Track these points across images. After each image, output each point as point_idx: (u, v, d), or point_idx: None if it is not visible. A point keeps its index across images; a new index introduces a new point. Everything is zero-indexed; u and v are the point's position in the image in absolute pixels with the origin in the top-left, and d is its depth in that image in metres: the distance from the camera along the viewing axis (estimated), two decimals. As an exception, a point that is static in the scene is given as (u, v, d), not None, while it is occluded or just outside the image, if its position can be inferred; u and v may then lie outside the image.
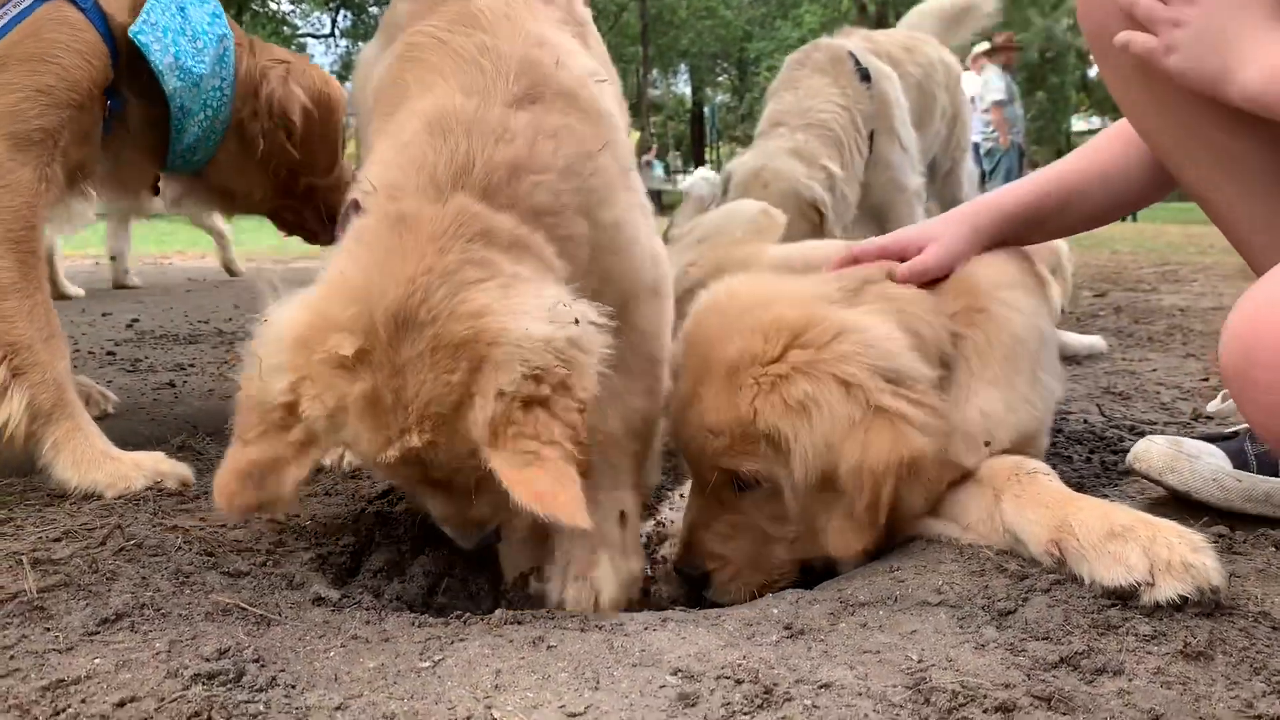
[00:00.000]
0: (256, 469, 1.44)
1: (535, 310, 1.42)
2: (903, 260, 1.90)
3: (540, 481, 1.33)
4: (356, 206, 1.56)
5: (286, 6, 34.39)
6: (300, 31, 33.65)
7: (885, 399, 1.58)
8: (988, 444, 1.71)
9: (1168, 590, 1.37)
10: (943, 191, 5.28)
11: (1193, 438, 1.87)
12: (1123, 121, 1.93)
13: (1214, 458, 1.78)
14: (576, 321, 1.43)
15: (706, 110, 46.72)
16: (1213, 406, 2.03)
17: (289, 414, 1.42)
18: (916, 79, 4.98)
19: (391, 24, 2.00)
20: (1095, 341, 3.97)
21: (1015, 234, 1.98)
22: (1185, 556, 1.38)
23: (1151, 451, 1.81)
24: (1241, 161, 1.60)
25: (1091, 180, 1.96)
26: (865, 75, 4.54)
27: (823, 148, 4.36)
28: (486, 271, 1.44)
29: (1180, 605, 1.37)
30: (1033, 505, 1.57)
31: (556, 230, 1.58)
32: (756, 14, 42.66)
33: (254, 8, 31.09)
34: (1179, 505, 1.80)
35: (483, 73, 1.62)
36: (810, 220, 4.19)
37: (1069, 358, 3.72)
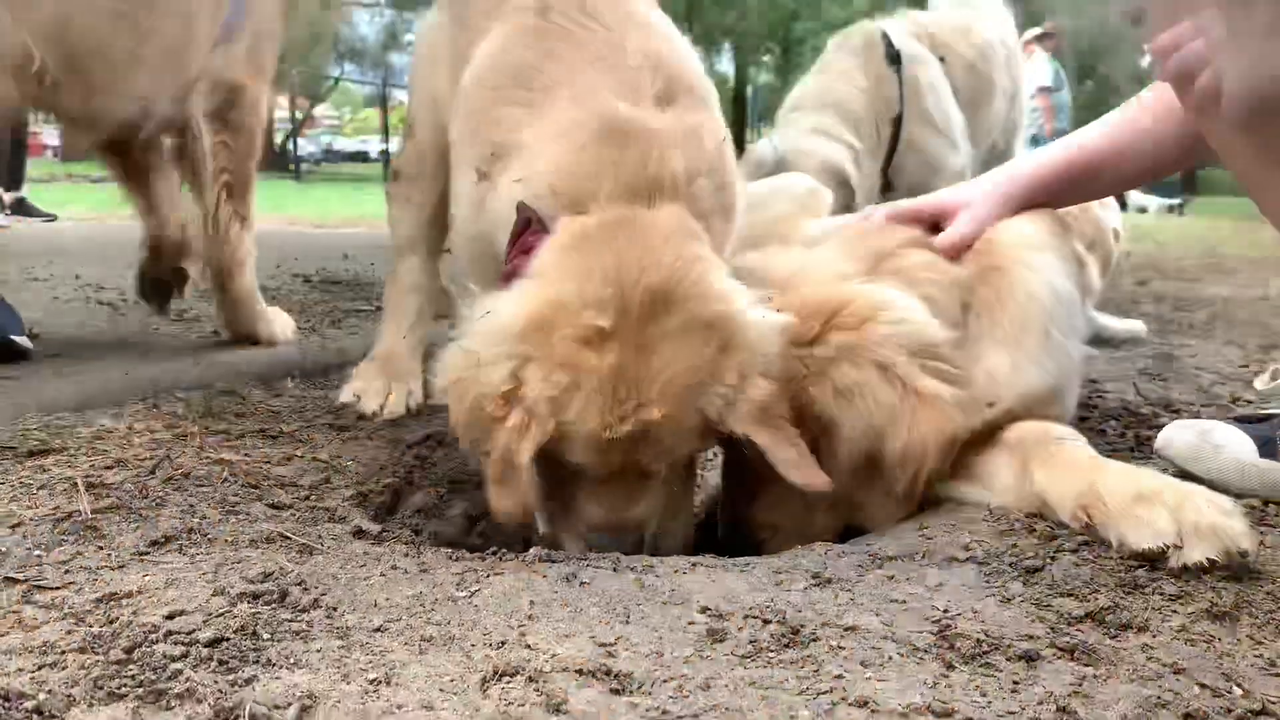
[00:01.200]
0: (496, 470, 1.52)
1: (757, 306, 1.58)
2: (935, 223, 1.91)
3: (791, 453, 1.54)
4: (527, 208, 1.61)
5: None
6: (347, 0, 33.76)
7: (923, 382, 1.61)
8: (991, 405, 1.72)
9: (1196, 553, 1.38)
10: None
11: (1229, 419, 1.86)
12: (1159, 89, 1.92)
13: (1240, 446, 1.77)
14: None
15: (750, 90, 46.43)
16: (1260, 384, 2.02)
17: (507, 402, 1.48)
18: (969, 60, 4.87)
19: None
20: (1135, 325, 3.93)
21: (1046, 198, 1.99)
22: (1214, 520, 1.39)
23: (1178, 440, 1.81)
24: None
25: (1123, 147, 1.98)
26: (895, 58, 4.50)
27: (840, 124, 4.33)
28: (714, 265, 1.58)
29: (1208, 568, 1.38)
30: (1061, 471, 1.58)
31: (711, 228, 1.69)
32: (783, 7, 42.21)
33: (301, -25, 31.20)
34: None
35: (624, 71, 1.72)
36: (837, 195, 4.19)
37: (1106, 341, 3.69)
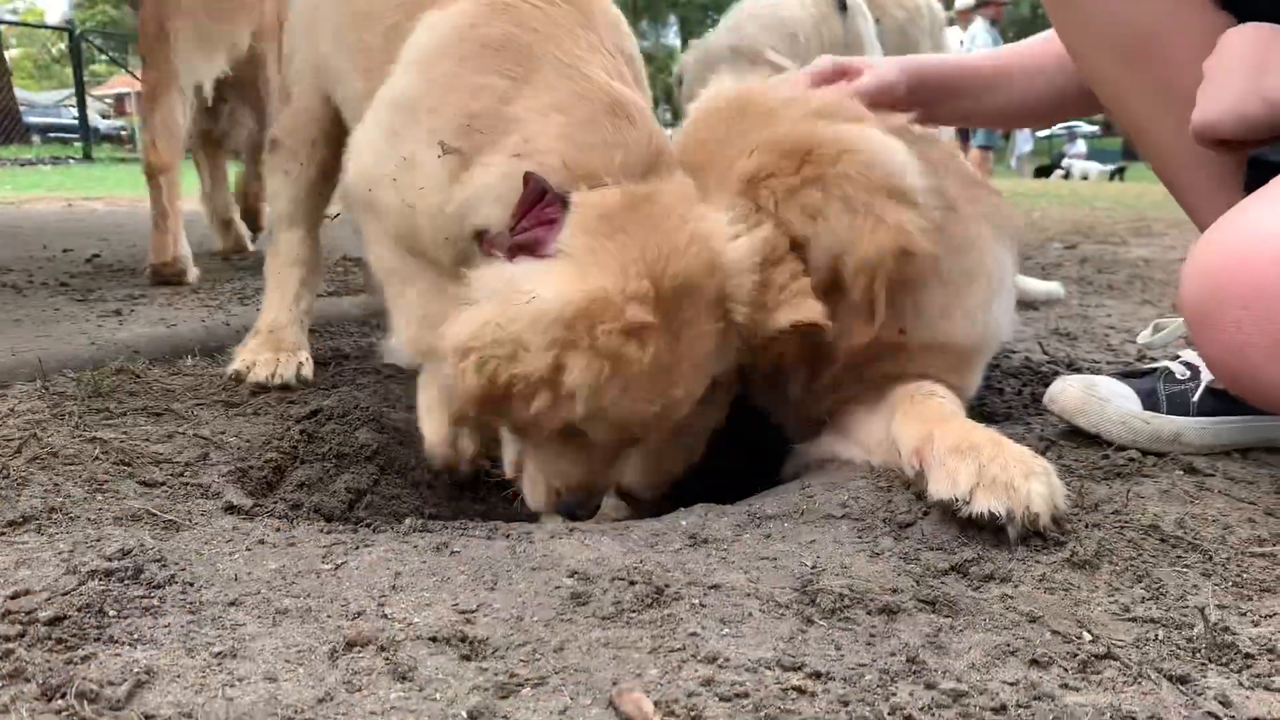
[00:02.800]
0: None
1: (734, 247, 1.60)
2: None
3: None
4: (540, 180, 1.58)
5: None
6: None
7: (886, 208, 1.61)
8: (902, 332, 1.73)
9: (979, 505, 1.36)
10: None
11: (1111, 375, 1.89)
12: (1045, 35, 2.01)
13: (1125, 399, 1.79)
14: None
15: (696, 63, 46.24)
16: (1143, 337, 2.05)
17: (538, 385, 1.48)
18: (900, 22, 4.91)
19: None
20: (1053, 288, 3.97)
21: (930, 97, 2.09)
22: (1013, 479, 1.38)
23: (1065, 393, 1.83)
24: (1184, 98, 1.61)
25: (1014, 72, 2.06)
26: (843, 6, 4.48)
27: (769, 37, 4.28)
28: (712, 223, 1.60)
29: (993, 523, 1.36)
30: (913, 419, 1.59)
31: None
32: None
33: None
34: (1095, 437, 1.82)
35: (603, 55, 1.73)
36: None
37: (1028, 304, 3.73)
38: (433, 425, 1.88)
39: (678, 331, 1.52)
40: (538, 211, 1.57)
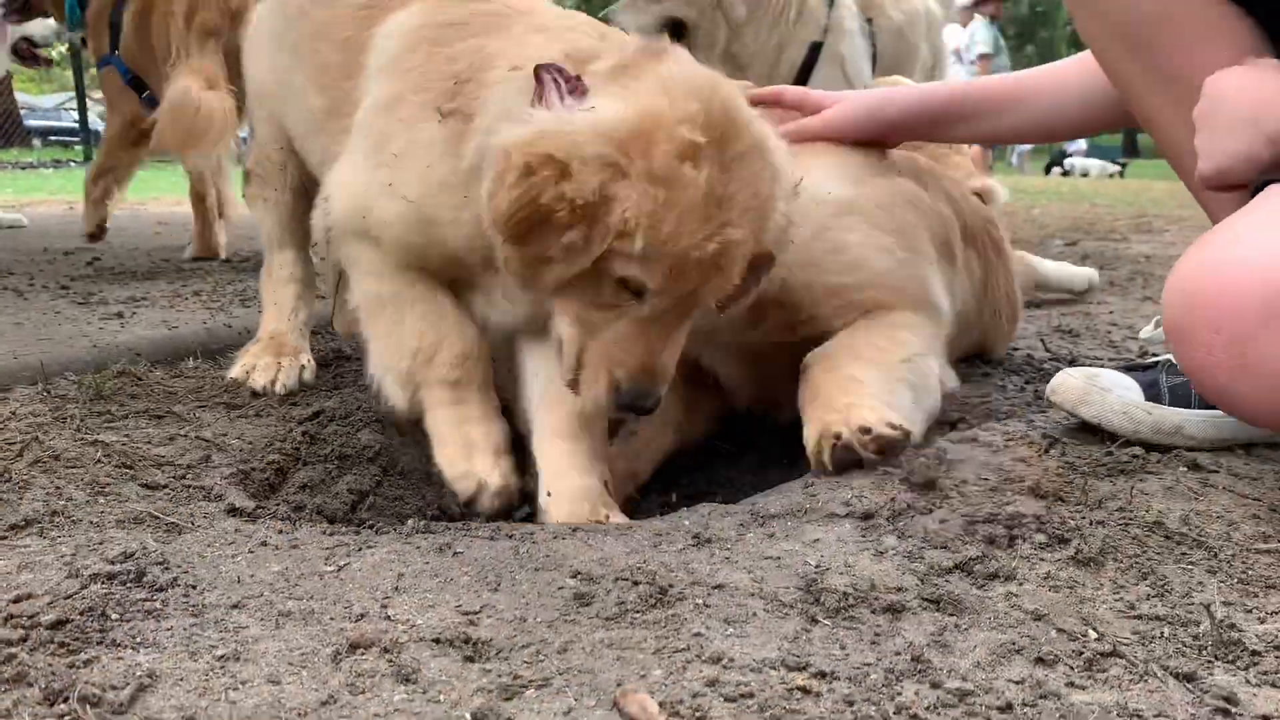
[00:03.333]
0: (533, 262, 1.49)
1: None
2: (798, 110, 2.12)
3: None
4: (550, 66, 1.53)
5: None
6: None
7: None
8: None
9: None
10: None
11: (1114, 368, 1.88)
12: (1081, 55, 2.00)
13: (1127, 390, 1.79)
14: None
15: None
16: (1145, 333, 2.05)
17: (576, 214, 1.41)
18: (898, 25, 4.83)
19: None
20: (1089, 274, 3.93)
21: (925, 129, 2.10)
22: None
23: (1067, 384, 1.82)
24: (1190, 90, 1.61)
25: (1031, 92, 2.07)
26: (832, 1, 4.43)
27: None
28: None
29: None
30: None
31: None
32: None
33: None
34: (1099, 431, 1.81)
35: (569, 19, 1.77)
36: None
37: (1066, 292, 3.74)
38: (448, 456, 1.74)
39: (729, 165, 1.47)
40: (559, 90, 1.50)
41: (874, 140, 2.18)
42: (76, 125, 22.68)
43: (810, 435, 1.66)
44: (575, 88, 1.50)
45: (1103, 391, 1.78)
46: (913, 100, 2.21)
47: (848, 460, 1.58)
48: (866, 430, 1.58)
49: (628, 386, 1.54)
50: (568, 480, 1.70)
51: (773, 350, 1.99)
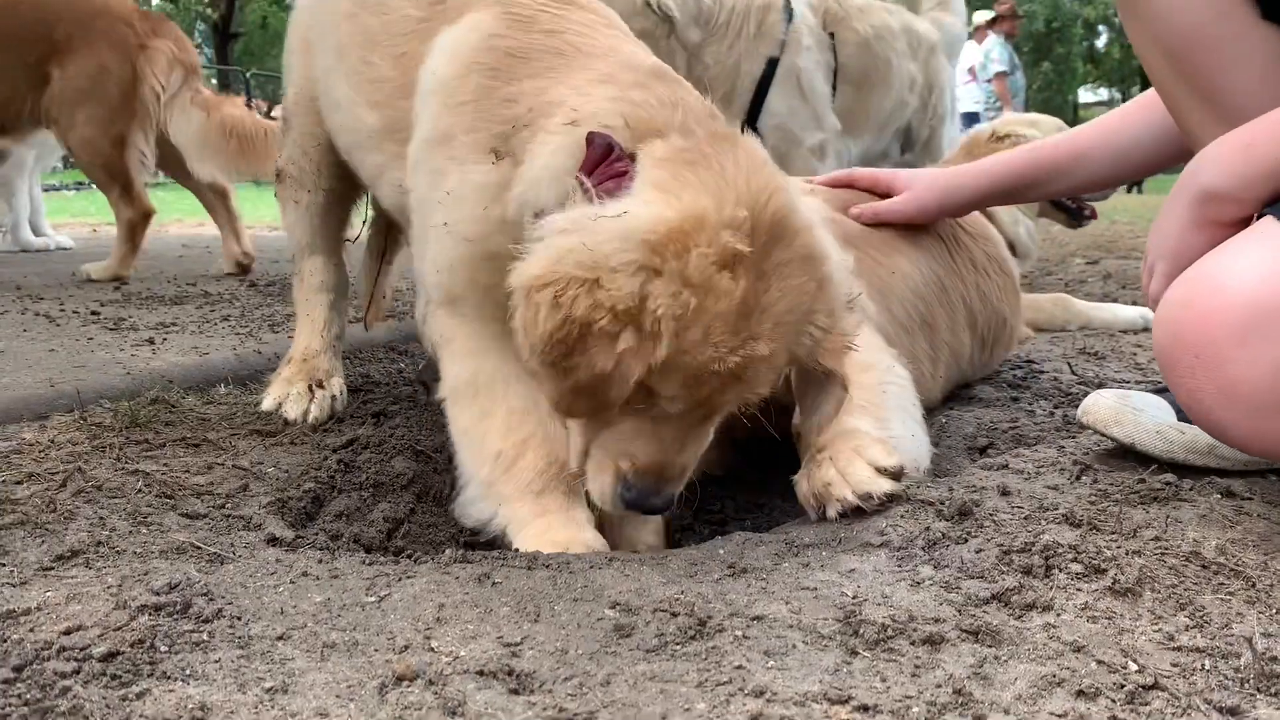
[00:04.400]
0: (579, 391, 1.39)
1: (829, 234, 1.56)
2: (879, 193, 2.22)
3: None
4: (604, 135, 1.47)
5: (288, -25, 34.20)
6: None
7: None
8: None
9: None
10: (922, 158, 5.16)
11: (1144, 389, 1.89)
12: (1142, 97, 2.06)
13: (1160, 410, 1.79)
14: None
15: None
16: None
17: (620, 321, 1.33)
18: (864, 38, 4.67)
19: None
20: (1145, 312, 3.83)
21: (1001, 198, 2.18)
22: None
23: (1099, 405, 1.83)
24: (1228, 107, 1.67)
25: (1084, 151, 2.14)
26: (789, 15, 4.40)
27: None
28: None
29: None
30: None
31: None
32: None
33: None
34: (1130, 456, 1.82)
35: (631, 41, 1.71)
36: (655, 22, 3.90)
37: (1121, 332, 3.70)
38: None
39: (768, 275, 1.38)
40: (605, 167, 1.44)
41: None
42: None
43: (803, 490, 1.65)
44: (620, 170, 1.44)
45: (1135, 412, 1.79)
46: (983, 180, 2.30)
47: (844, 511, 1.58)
48: (868, 495, 1.57)
49: (635, 482, 1.48)
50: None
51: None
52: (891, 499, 1.56)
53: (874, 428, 1.70)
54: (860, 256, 2.21)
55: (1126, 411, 1.79)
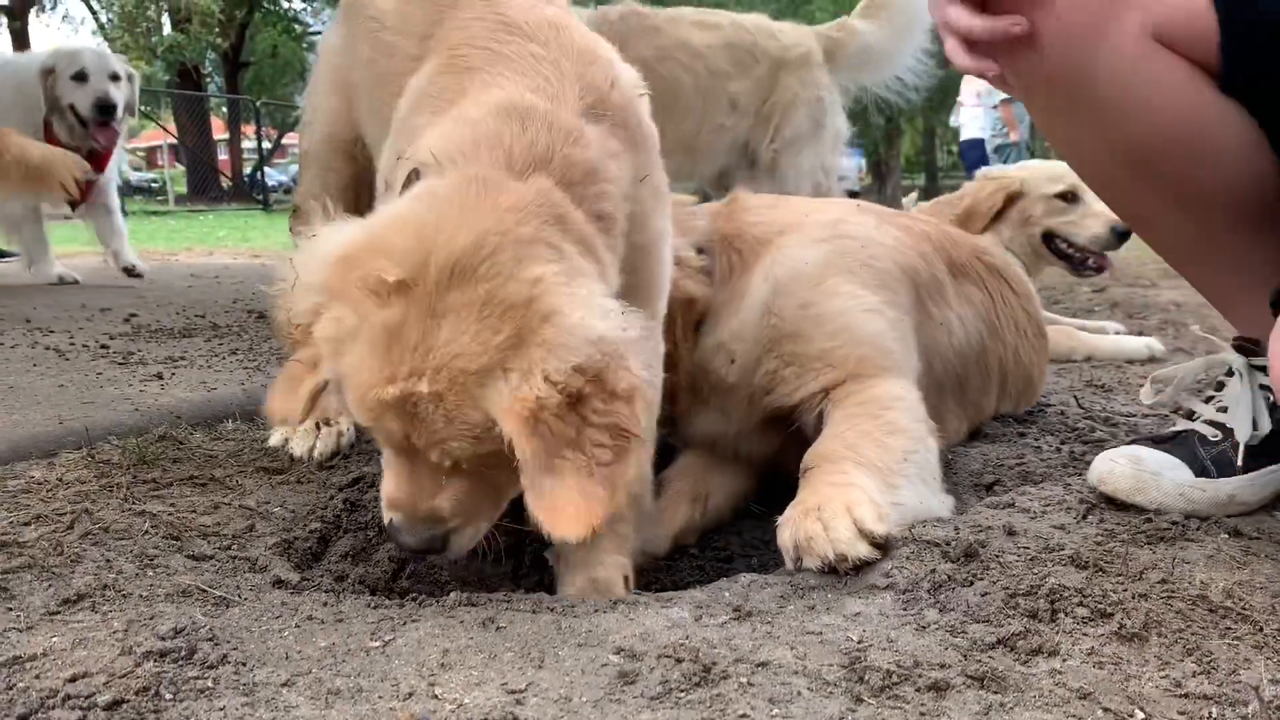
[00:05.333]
0: (285, 383, 1.51)
1: (591, 305, 1.38)
2: None
3: (548, 482, 1.31)
4: (417, 175, 1.55)
5: (298, 4, 34.53)
6: (311, 30, 33.82)
7: None
8: None
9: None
10: (766, 181, 4.76)
11: (1134, 441, 1.88)
12: None
13: (1175, 470, 1.78)
14: (625, 329, 1.39)
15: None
16: (1147, 398, 2.04)
17: (306, 335, 1.43)
18: (645, 58, 4.19)
19: (358, 12, 2.08)
20: (1151, 343, 3.85)
21: None
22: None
23: (1116, 474, 1.80)
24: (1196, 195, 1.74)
25: None
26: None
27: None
28: (556, 254, 1.42)
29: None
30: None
31: (610, 240, 1.59)
32: (767, 11, 42.66)
33: (265, 6, 31.23)
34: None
35: (548, 80, 1.64)
36: None
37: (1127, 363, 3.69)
38: None
39: (440, 315, 1.33)
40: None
41: None
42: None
43: (784, 537, 1.63)
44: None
45: (1154, 476, 1.78)
46: None
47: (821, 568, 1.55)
48: (843, 557, 1.53)
49: (392, 518, 1.47)
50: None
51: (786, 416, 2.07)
52: (865, 565, 1.52)
53: (877, 489, 1.69)
54: (918, 302, 2.24)
55: (1145, 477, 1.78)
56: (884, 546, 1.56)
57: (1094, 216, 4.01)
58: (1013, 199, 4.08)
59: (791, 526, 1.61)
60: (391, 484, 1.46)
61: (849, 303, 2.08)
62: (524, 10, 1.77)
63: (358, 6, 2.21)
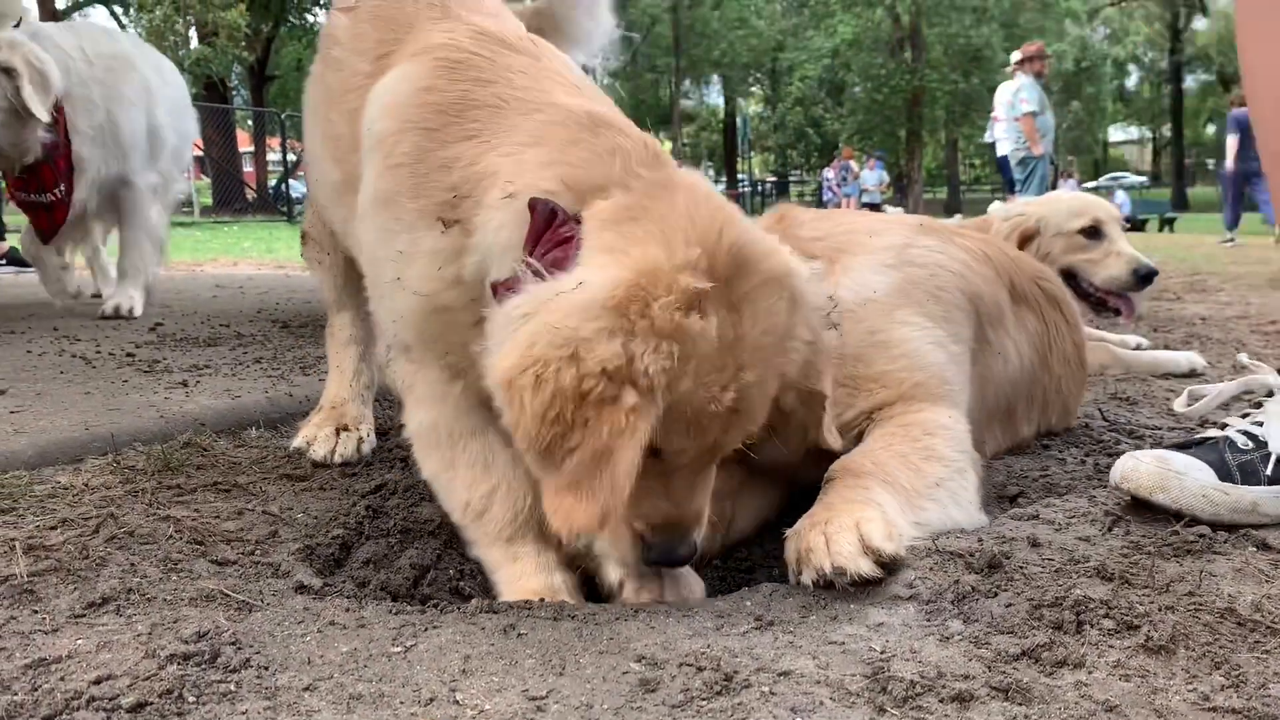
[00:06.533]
0: (584, 471, 1.31)
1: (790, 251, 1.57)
2: None
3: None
4: (546, 202, 1.47)
5: (323, 19, 34.81)
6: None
7: None
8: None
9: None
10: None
11: (1164, 447, 1.87)
12: None
13: (1200, 472, 1.77)
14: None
15: (739, 120, 46.84)
16: (1179, 407, 2.02)
17: (615, 382, 1.30)
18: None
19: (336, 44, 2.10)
20: (1191, 358, 3.73)
21: None
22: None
23: (1140, 470, 1.79)
24: None
25: None
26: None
27: None
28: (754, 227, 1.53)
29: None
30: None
31: None
32: (789, 24, 42.75)
33: (290, 19, 31.53)
34: (1161, 510, 1.79)
35: (562, 83, 1.66)
36: None
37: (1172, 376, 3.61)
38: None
39: (738, 304, 1.39)
40: (551, 234, 1.44)
41: None
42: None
43: (788, 549, 1.61)
44: (566, 236, 1.43)
45: (1178, 475, 1.76)
46: None
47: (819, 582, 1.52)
48: (841, 571, 1.48)
49: (655, 541, 1.49)
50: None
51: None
52: (867, 582, 1.47)
53: (898, 508, 1.66)
54: (978, 330, 2.22)
55: (1170, 476, 1.76)
56: (891, 566, 1.50)
57: (1115, 256, 3.82)
58: (1029, 237, 3.87)
59: (796, 539, 1.58)
60: (658, 509, 1.48)
61: (915, 333, 2.06)
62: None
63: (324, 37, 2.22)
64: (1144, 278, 3.78)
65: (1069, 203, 3.96)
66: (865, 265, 2.16)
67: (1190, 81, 52.41)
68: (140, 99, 4.92)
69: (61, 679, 1.21)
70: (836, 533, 1.53)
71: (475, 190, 1.56)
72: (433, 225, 1.59)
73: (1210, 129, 57.98)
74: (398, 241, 1.64)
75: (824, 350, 1.58)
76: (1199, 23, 48.51)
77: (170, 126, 5.20)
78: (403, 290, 1.64)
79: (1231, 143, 16.28)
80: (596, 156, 1.50)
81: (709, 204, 1.45)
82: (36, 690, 1.18)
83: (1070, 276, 3.87)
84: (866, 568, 1.47)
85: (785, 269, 1.48)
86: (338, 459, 2.22)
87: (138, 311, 4.81)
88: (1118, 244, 3.83)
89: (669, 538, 1.49)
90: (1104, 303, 3.90)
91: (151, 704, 1.16)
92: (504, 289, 1.48)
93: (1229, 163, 16.34)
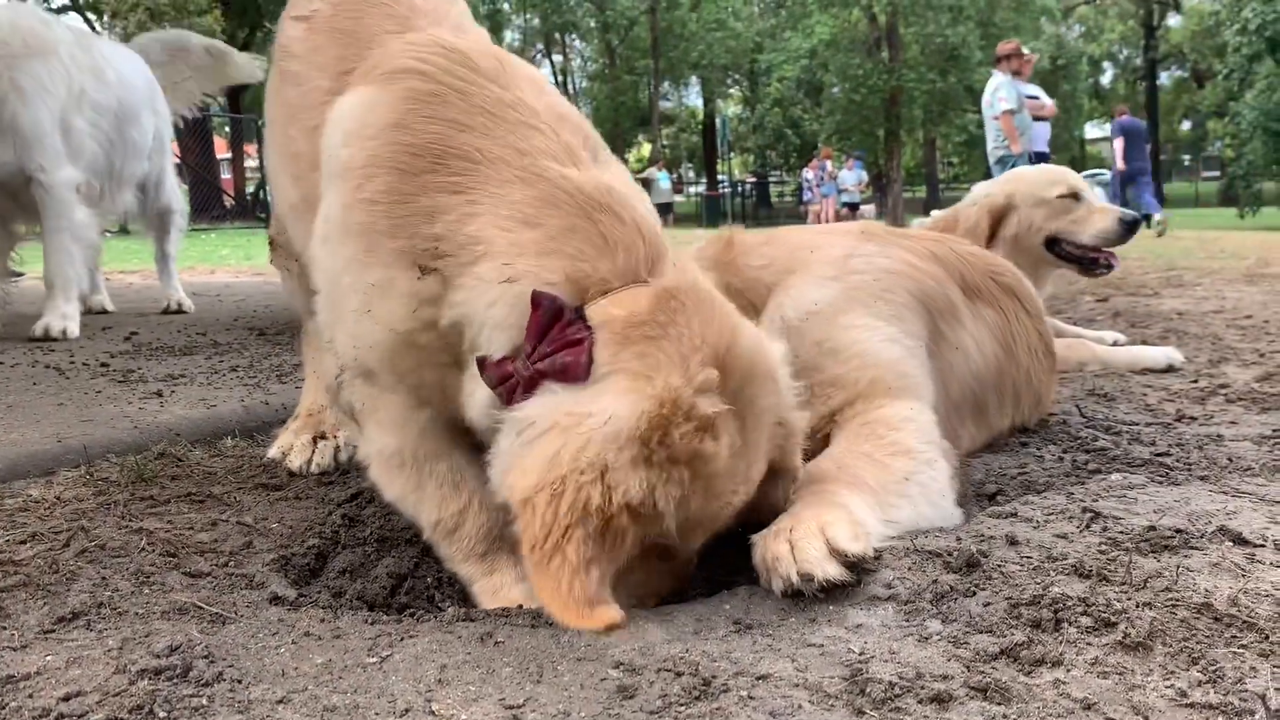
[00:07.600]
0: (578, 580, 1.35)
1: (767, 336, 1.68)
2: None
3: None
4: (551, 298, 1.46)
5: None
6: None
7: None
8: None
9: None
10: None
11: (1154, 431, 1.87)
12: None
13: None
14: None
15: (718, 122, 46.89)
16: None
17: (634, 516, 1.36)
18: None
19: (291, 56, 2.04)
20: (1170, 353, 3.72)
21: None
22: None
23: None
24: None
25: None
26: None
27: None
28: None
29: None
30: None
31: None
32: (767, 26, 42.87)
33: (267, 25, 31.37)
34: (1140, 502, 1.79)
35: (541, 133, 1.60)
36: None
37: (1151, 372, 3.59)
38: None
39: (743, 410, 1.47)
40: (558, 333, 1.44)
41: None
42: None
43: (755, 558, 1.59)
44: (576, 338, 1.43)
45: None
46: None
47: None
48: (808, 577, 1.47)
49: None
50: None
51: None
52: (835, 586, 1.45)
53: (866, 508, 1.66)
54: (932, 327, 2.23)
55: None
56: (858, 567, 1.49)
57: (1100, 212, 4.00)
58: (1001, 215, 3.97)
59: (761, 548, 1.56)
60: (665, 584, 1.59)
61: (864, 334, 2.06)
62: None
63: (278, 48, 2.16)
64: (1130, 225, 3.99)
65: (1038, 174, 4.13)
66: (805, 282, 2.17)
67: (1164, 79, 52.85)
68: (56, 90, 4.55)
69: (30, 696, 1.20)
70: (801, 539, 1.52)
71: (461, 253, 1.53)
72: (410, 268, 1.56)
73: (1185, 124, 58.48)
74: (369, 275, 1.60)
75: (797, 430, 1.65)
76: (1173, 19, 48.95)
77: (96, 130, 4.84)
78: (372, 321, 1.61)
79: (1118, 145, 18.15)
80: (596, 250, 1.49)
81: (715, 314, 1.50)
82: (4, 709, 1.16)
83: (1053, 243, 4.04)
84: (834, 571, 1.46)
85: (774, 362, 1.58)
86: (314, 469, 2.21)
87: (72, 332, 4.33)
88: (1097, 203, 4.01)
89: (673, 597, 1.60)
90: (1095, 260, 4.04)
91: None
92: (494, 367, 1.50)
93: (1117, 164, 18.12)
